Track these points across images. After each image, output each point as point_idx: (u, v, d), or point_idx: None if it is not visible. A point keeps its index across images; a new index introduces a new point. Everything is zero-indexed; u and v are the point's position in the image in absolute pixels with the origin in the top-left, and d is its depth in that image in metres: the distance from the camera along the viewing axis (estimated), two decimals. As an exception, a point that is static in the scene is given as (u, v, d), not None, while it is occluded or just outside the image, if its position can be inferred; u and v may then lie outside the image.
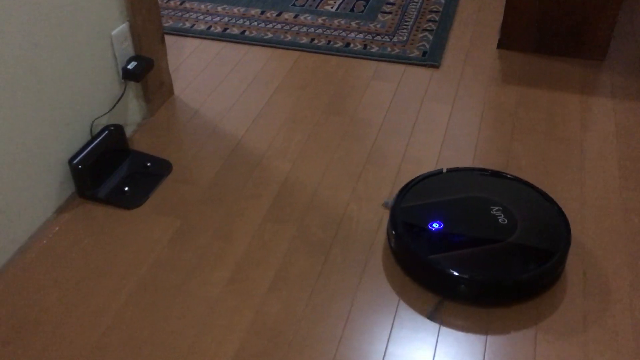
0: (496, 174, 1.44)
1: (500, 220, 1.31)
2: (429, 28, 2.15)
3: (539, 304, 1.24)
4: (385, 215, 1.45)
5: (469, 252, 1.26)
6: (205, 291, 1.29)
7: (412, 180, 1.44)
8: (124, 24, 1.58)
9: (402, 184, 1.52)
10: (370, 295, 1.27)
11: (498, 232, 1.29)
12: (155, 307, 1.26)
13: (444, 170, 1.46)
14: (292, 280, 1.30)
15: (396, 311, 1.24)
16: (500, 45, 2.04)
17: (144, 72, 1.62)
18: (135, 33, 1.63)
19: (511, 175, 1.43)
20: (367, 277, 1.31)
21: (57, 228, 1.43)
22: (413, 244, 1.29)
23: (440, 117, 1.76)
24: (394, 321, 1.22)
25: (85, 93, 1.49)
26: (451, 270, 1.23)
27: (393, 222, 1.34)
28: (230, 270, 1.33)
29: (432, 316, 1.23)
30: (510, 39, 2.02)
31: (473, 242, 1.28)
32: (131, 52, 1.64)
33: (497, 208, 1.33)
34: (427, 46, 2.05)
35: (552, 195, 1.48)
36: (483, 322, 1.21)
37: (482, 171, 1.45)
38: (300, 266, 1.33)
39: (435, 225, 1.32)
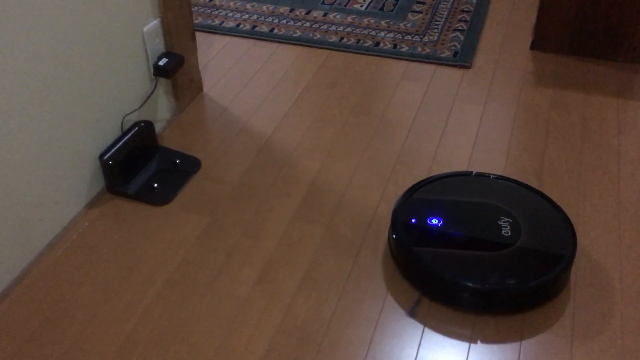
0: (522, 186, 1.40)
1: (504, 231, 1.27)
2: (460, 28, 2.12)
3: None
4: (416, 217, 1.43)
5: (456, 253, 1.25)
6: (233, 290, 1.28)
7: (435, 175, 1.44)
8: (155, 20, 1.58)
9: (433, 186, 1.50)
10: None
11: (495, 242, 1.26)
12: (183, 305, 1.25)
13: (473, 173, 1.44)
14: (321, 281, 1.29)
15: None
16: (534, 46, 2.01)
17: (175, 68, 1.62)
18: (167, 29, 1.62)
19: (537, 190, 1.39)
20: (397, 280, 1.29)
21: (86, 223, 1.43)
22: (403, 233, 1.28)
23: (471, 119, 1.73)
24: (424, 325, 1.20)
25: (116, 89, 1.50)
26: (430, 266, 1.21)
27: (395, 210, 1.34)
28: (259, 269, 1.32)
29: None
30: (543, 40, 1.98)
31: (463, 245, 1.26)
32: (162, 49, 1.63)
33: (506, 220, 1.29)
34: (458, 46, 2.02)
35: (588, 203, 1.45)
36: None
37: (508, 180, 1.42)
38: (329, 267, 1.32)
39: (435, 221, 1.31)
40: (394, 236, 1.30)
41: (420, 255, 1.25)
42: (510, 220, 1.29)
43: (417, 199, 1.38)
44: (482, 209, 1.34)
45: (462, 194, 1.38)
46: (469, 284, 1.19)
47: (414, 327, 1.20)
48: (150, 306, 1.25)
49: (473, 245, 1.26)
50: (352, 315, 1.22)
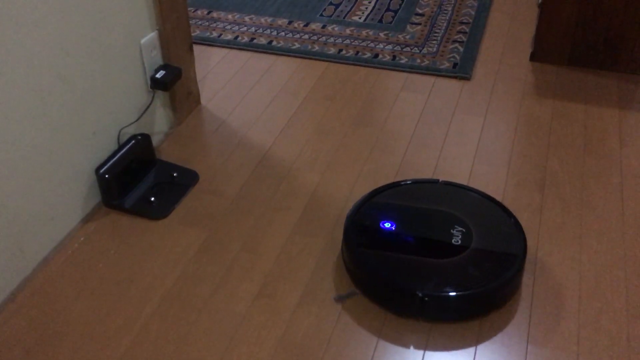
0: (486, 197, 1.38)
1: (454, 240, 1.26)
2: (459, 39, 2.12)
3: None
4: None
5: (402, 257, 1.24)
6: (232, 305, 1.25)
7: (402, 181, 1.44)
8: (153, 33, 1.57)
9: (435, 199, 1.48)
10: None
11: (443, 250, 1.25)
12: (181, 321, 1.22)
13: (440, 181, 1.43)
14: (321, 297, 1.26)
15: (430, 331, 1.20)
16: (533, 57, 2.00)
17: (173, 81, 1.61)
18: (164, 42, 1.61)
19: (499, 202, 1.37)
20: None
21: (82, 238, 1.41)
22: (352, 234, 1.29)
23: (472, 131, 1.71)
24: (427, 343, 1.18)
25: (113, 101, 1.48)
26: (369, 267, 1.22)
27: (351, 211, 1.35)
28: (258, 284, 1.29)
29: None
30: (543, 51, 1.97)
31: (411, 251, 1.26)
32: (160, 61, 1.62)
33: (459, 229, 1.28)
34: (458, 58, 2.01)
35: (591, 215, 1.43)
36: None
37: (473, 191, 1.40)
38: (329, 282, 1.30)
39: (387, 225, 1.31)
40: (343, 236, 1.30)
41: (363, 256, 1.25)
42: (464, 230, 1.29)
43: (376, 202, 1.38)
44: (439, 217, 1.33)
45: (424, 201, 1.38)
46: (402, 288, 1.19)
47: (418, 344, 1.17)
48: (148, 323, 1.22)
49: (420, 252, 1.26)
50: (353, 331, 1.20)
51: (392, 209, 1.36)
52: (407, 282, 1.20)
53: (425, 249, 1.26)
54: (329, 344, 1.17)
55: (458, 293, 1.18)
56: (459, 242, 1.26)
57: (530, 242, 1.37)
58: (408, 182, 1.44)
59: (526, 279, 1.29)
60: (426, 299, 1.17)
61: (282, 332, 1.20)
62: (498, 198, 1.48)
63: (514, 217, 1.33)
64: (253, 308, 1.24)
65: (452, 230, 1.28)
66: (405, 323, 1.21)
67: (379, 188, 1.42)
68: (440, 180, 1.44)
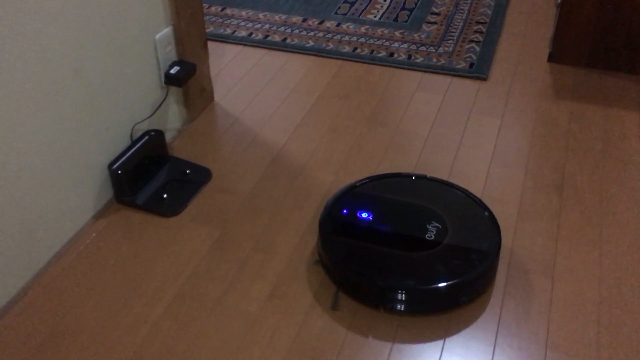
0: (470, 197, 1.37)
1: (427, 235, 1.27)
2: (475, 39, 2.09)
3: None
4: (433, 232, 1.38)
5: (373, 248, 1.25)
6: (244, 305, 1.23)
7: (389, 173, 1.45)
8: (167, 28, 1.56)
9: (451, 200, 1.46)
10: (419, 317, 1.21)
11: (413, 244, 1.25)
12: (192, 320, 1.21)
13: (427, 177, 1.43)
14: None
15: (446, 331, 1.17)
16: (551, 58, 1.97)
17: (186, 77, 1.59)
18: (179, 37, 1.59)
19: (482, 203, 1.35)
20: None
21: (94, 234, 1.40)
22: (328, 221, 1.30)
23: (488, 132, 1.69)
24: (444, 343, 1.16)
25: (127, 97, 1.46)
26: (334, 253, 1.23)
27: (331, 198, 1.36)
28: (271, 284, 1.28)
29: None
30: (562, 52, 1.94)
31: (383, 242, 1.26)
32: (174, 57, 1.60)
33: (434, 225, 1.28)
34: (474, 58, 1.99)
35: (611, 220, 1.40)
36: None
37: (458, 189, 1.39)
38: (343, 283, 1.28)
39: (364, 215, 1.31)
40: (319, 223, 1.31)
41: (335, 243, 1.26)
42: (439, 226, 1.28)
43: (359, 193, 1.38)
44: (418, 211, 1.33)
45: (407, 195, 1.37)
46: (364, 277, 1.20)
47: (433, 343, 1.15)
48: (159, 321, 1.21)
49: (392, 244, 1.26)
50: (368, 334, 1.18)
51: (373, 200, 1.36)
52: (370, 272, 1.20)
53: (397, 242, 1.26)
54: (343, 346, 1.15)
55: (418, 286, 1.18)
56: (432, 237, 1.26)
57: (548, 246, 1.34)
58: (395, 175, 1.44)
59: (510, 276, 1.26)
60: (386, 290, 1.18)
61: (295, 334, 1.18)
62: (515, 200, 1.46)
63: (493, 217, 1.32)
64: (265, 309, 1.23)
65: (428, 226, 1.29)
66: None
67: (366, 179, 1.42)
68: (427, 175, 1.43)
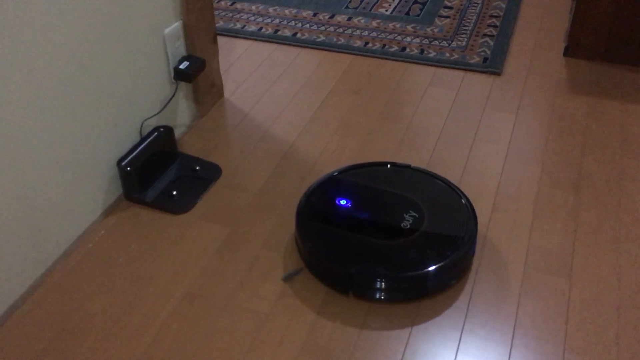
0: (453, 188, 1.36)
1: (403, 224, 1.26)
2: (489, 33, 2.05)
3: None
4: (447, 230, 1.35)
5: (348, 235, 1.25)
6: (255, 305, 1.21)
7: (373, 162, 1.45)
8: (177, 23, 1.53)
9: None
10: (432, 311, 1.18)
11: (388, 232, 1.25)
12: (202, 319, 1.19)
13: (411, 166, 1.42)
14: (347, 299, 1.22)
15: (461, 333, 1.15)
16: (567, 52, 1.93)
17: (196, 72, 1.57)
18: (188, 32, 1.57)
19: (464, 195, 1.34)
20: (428, 298, 1.22)
21: (103, 232, 1.38)
22: (305, 205, 1.30)
23: (503, 128, 1.65)
24: (459, 345, 1.13)
25: (136, 93, 1.44)
26: (308, 238, 1.23)
27: (313, 184, 1.36)
28: (281, 283, 1.25)
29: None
30: (578, 46, 1.90)
31: (359, 229, 1.26)
32: (183, 52, 1.58)
33: (412, 214, 1.28)
34: (488, 52, 1.95)
35: (630, 218, 1.37)
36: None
37: (441, 180, 1.38)
38: (355, 282, 1.25)
39: (343, 202, 1.31)
40: (297, 208, 1.31)
41: (309, 228, 1.26)
42: (416, 216, 1.28)
43: (341, 180, 1.38)
44: (397, 200, 1.33)
45: (388, 184, 1.37)
46: (334, 262, 1.20)
47: (448, 346, 1.12)
48: (168, 320, 1.19)
49: (367, 231, 1.26)
50: (381, 335, 1.15)
51: (353, 188, 1.36)
52: (340, 258, 1.21)
53: (372, 229, 1.26)
54: (355, 347, 1.13)
55: (387, 273, 1.18)
56: (408, 226, 1.26)
57: (565, 245, 1.31)
58: (378, 163, 1.44)
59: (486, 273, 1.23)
60: (355, 276, 1.18)
61: (307, 335, 1.16)
62: (531, 198, 1.43)
63: (472, 209, 1.31)
64: (276, 308, 1.21)
65: (405, 214, 1.28)
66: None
67: (350, 166, 1.42)
68: (412, 165, 1.42)
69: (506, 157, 1.55)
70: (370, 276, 1.19)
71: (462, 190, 1.45)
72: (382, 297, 1.20)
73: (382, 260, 1.20)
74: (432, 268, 1.18)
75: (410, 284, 1.20)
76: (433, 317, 1.18)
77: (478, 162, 1.54)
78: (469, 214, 1.30)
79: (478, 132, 1.64)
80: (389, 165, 1.43)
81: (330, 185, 1.37)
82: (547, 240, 1.32)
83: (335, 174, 1.40)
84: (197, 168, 1.53)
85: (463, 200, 1.33)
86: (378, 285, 1.19)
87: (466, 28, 2.09)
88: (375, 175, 1.40)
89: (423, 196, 1.33)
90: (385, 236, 1.25)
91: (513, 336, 1.14)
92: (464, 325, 1.16)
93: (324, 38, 2.05)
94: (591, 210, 1.39)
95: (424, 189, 1.36)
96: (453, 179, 1.49)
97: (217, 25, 2.13)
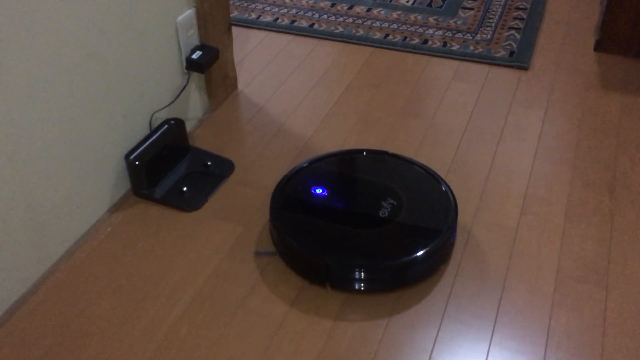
0: (433, 175, 1.32)
1: (381, 212, 1.22)
2: (515, 26, 1.96)
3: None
4: (472, 235, 1.27)
5: (322, 223, 1.22)
6: (268, 310, 1.14)
7: (350, 150, 1.41)
8: (190, 10, 1.46)
9: (490, 198, 1.35)
10: (459, 326, 1.10)
11: (364, 221, 1.21)
12: (212, 324, 1.12)
13: (388, 153, 1.38)
14: (367, 303, 1.15)
15: (490, 341, 1.07)
16: (598, 47, 1.83)
17: (209, 62, 1.50)
18: (202, 20, 1.50)
19: (445, 183, 1.30)
20: (454, 303, 1.14)
21: (109, 229, 1.31)
22: (279, 195, 1.27)
23: (531, 125, 1.57)
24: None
25: (146, 83, 1.38)
26: (282, 227, 1.20)
27: (289, 172, 1.33)
28: (297, 287, 1.18)
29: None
30: (610, 40, 1.80)
31: (334, 218, 1.22)
32: (196, 41, 1.51)
33: (390, 202, 1.24)
34: (514, 46, 1.86)
35: (669, 221, 1.28)
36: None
37: (420, 167, 1.34)
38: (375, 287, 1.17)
39: (319, 191, 1.28)
40: (271, 195, 1.28)
41: (283, 217, 1.22)
42: (395, 203, 1.24)
43: (317, 168, 1.35)
44: (375, 188, 1.29)
45: (366, 172, 1.34)
46: (309, 252, 1.16)
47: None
48: (176, 324, 1.12)
49: (343, 220, 1.22)
50: (403, 344, 1.08)
51: (330, 176, 1.33)
52: (316, 249, 1.17)
53: (348, 218, 1.23)
54: (376, 357, 1.06)
55: (364, 264, 1.14)
56: (386, 214, 1.22)
57: (600, 252, 1.22)
58: (354, 151, 1.40)
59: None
60: (330, 266, 1.14)
61: (323, 343, 1.08)
62: (562, 200, 1.34)
63: (454, 198, 1.26)
64: (290, 314, 1.13)
65: (383, 202, 1.24)
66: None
67: (327, 154, 1.38)
68: (389, 152, 1.38)
69: (535, 157, 1.47)
70: (347, 267, 1.14)
71: (489, 191, 1.38)
72: (360, 288, 1.16)
73: (360, 250, 1.16)
74: (411, 257, 1.14)
75: (388, 274, 1.16)
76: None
77: (505, 162, 1.46)
78: (449, 201, 1.25)
79: (505, 129, 1.56)
80: (364, 153, 1.38)
81: (307, 174, 1.32)
82: (581, 246, 1.24)
83: (311, 162, 1.36)
84: (209, 163, 1.46)
85: (443, 187, 1.28)
86: (355, 277, 1.15)
87: (491, 20, 2.00)
88: (352, 163, 1.36)
89: (402, 183, 1.29)
90: (363, 225, 1.21)
91: (545, 350, 1.06)
92: (491, 337, 1.09)
93: (342, 29, 1.97)
94: (627, 214, 1.30)
95: (403, 175, 1.32)
96: (478, 178, 1.41)
97: (231, 15, 2.06)
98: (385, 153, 1.37)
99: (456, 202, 1.26)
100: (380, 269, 1.15)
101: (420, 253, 1.15)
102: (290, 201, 1.27)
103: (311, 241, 1.18)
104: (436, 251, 1.17)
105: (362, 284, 1.16)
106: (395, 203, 1.23)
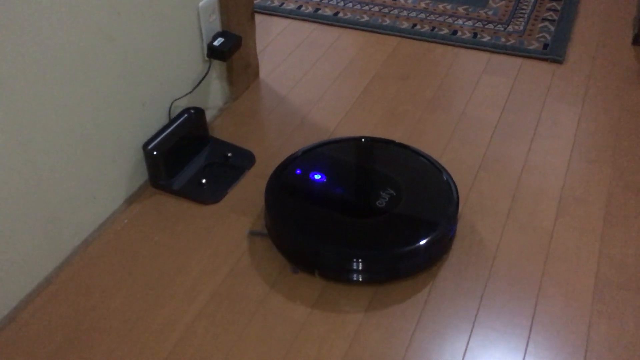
0: (438, 168, 1.27)
1: (378, 202, 1.18)
2: (549, 18, 1.88)
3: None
4: (504, 236, 1.21)
5: (317, 210, 1.19)
6: (290, 310, 1.09)
7: (356, 137, 1.36)
8: (212, -5, 1.40)
9: (524, 198, 1.28)
10: (491, 329, 1.04)
11: (361, 210, 1.18)
12: (231, 324, 1.07)
13: (395, 142, 1.35)
14: (394, 306, 1.09)
15: (525, 351, 1.01)
16: (637, 41, 1.75)
17: (231, 50, 1.44)
18: (224, 6, 1.44)
19: (450, 177, 1.25)
20: (486, 305, 1.07)
21: (125, 221, 1.27)
22: (275, 179, 1.24)
23: (567, 121, 1.49)
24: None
25: (166, 70, 1.32)
26: (275, 211, 1.17)
27: (290, 156, 1.30)
28: (319, 288, 1.12)
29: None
30: (650, 33, 1.72)
31: (330, 205, 1.19)
32: (218, 28, 1.45)
33: (388, 192, 1.20)
34: (549, 38, 1.78)
35: None
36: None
37: (425, 157, 1.30)
38: (402, 288, 1.12)
39: (317, 177, 1.24)
40: (267, 181, 1.25)
41: (278, 202, 1.19)
42: (393, 194, 1.20)
43: (320, 154, 1.31)
44: (375, 177, 1.26)
45: (368, 161, 1.31)
46: (301, 241, 1.13)
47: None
48: (193, 323, 1.07)
49: (339, 208, 1.20)
50: (433, 349, 1.02)
51: (331, 163, 1.29)
52: (306, 236, 1.13)
53: (344, 207, 1.20)
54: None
55: (353, 252, 1.11)
56: (383, 204, 1.18)
57: (642, 258, 1.15)
58: (356, 138, 1.36)
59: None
60: (318, 253, 1.11)
61: (347, 348, 1.03)
62: (602, 201, 1.27)
63: (455, 186, 1.22)
64: (313, 316, 1.08)
65: (381, 192, 1.20)
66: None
67: (331, 140, 1.35)
68: (395, 140, 1.35)
69: (571, 155, 1.39)
70: (337, 255, 1.11)
71: (522, 191, 1.31)
72: (350, 278, 1.12)
73: (352, 239, 1.13)
74: (405, 249, 1.11)
75: (379, 265, 1.12)
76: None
77: (539, 160, 1.38)
78: (451, 192, 1.21)
79: (539, 125, 1.48)
80: (362, 140, 1.34)
81: (307, 160, 1.28)
82: (621, 251, 1.17)
83: (312, 148, 1.32)
84: (229, 155, 1.41)
85: (444, 177, 1.24)
86: (345, 267, 1.12)
87: (524, 11, 1.92)
88: (358, 151, 1.31)
89: (403, 173, 1.25)
90: (359, 214, 1.18)
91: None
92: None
93: (367, 18, 1.90)
94: (671, 218, 1.23)
95: (405, 165, 1.28)
96: (511, 177, 1.34)
97: (254, 1, 1.99)
98: (392, 142, 1.33)
99: (458, 195, 1.21)
100: (370, 259, 1.11)
101: (413, 246, 1.11)
102: (288, 184, 1.23)
103: (302, 226, 1.15)
104: (432, 245, 1.12)
105: (351, 274, 1.12)
106: (394, 193, 1.19)
